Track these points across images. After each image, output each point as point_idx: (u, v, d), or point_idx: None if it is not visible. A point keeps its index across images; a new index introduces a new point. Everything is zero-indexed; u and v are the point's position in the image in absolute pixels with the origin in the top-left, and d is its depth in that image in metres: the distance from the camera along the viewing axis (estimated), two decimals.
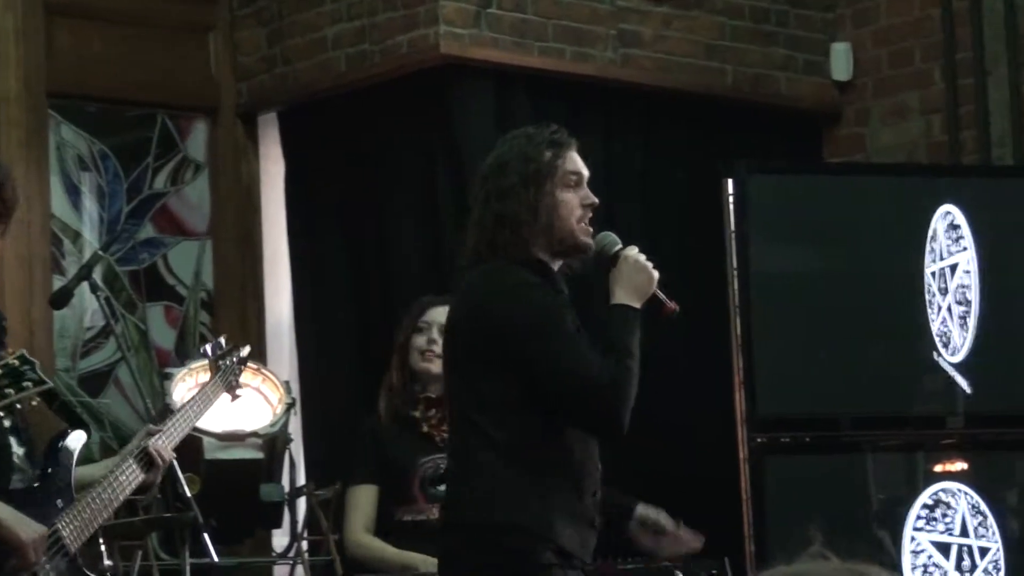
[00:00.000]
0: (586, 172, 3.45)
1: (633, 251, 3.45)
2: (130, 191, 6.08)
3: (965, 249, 5.58)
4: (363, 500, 4.73)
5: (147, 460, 3.68)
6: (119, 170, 6.07)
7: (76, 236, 5.92)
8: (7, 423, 3.51)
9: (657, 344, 5.92)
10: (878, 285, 5.59)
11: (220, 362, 4.21)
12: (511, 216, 3.35)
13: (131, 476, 3.63)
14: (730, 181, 5.55)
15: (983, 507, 5.48)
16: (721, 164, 5.65)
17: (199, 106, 6.26)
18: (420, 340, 4.73)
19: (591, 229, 3.51)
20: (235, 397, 4.25)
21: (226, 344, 4.28)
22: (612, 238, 3.43)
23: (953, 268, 5.58)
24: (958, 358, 5.53)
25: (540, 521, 3.33)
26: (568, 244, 3.42)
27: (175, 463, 4.45)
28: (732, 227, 5.52)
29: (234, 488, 5.00)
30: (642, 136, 6.23)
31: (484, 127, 5.86)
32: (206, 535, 4.43)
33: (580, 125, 6.01)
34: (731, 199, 5.53)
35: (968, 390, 5.50)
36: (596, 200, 3.43)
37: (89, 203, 5.98)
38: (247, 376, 5.27)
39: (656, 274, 3.45)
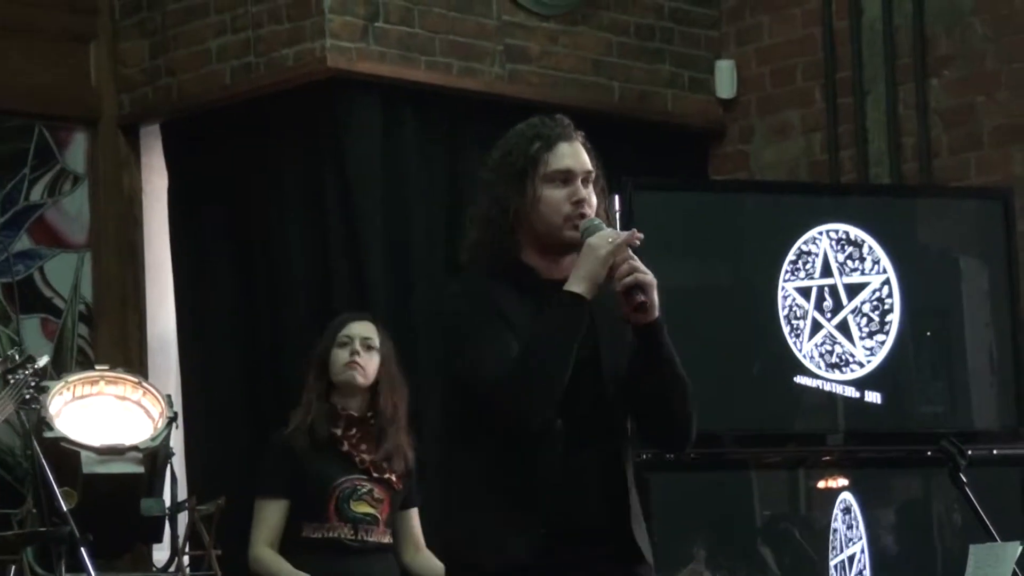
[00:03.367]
0: (580, 166, 3.18)
1: (599, 235, 3.10)
2: (5, 202, 5.99)
3: (863, 266, 5.65)
4: (270, 514, 4.69)
5: None
6: None
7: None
8: None
9: None
10: (762, 302, 5.64)
11: (10, 376, 4.12)
12: (484, 216, 3.20)
13: None
14: (616, 197, 5.57)
15: (859, 523, 5.54)
16: (608, 181, 5.66)
17: (79, 117, 6.18)
18: (343, 353, 4.71)
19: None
20: (28, 410, 4.14)
21: (20, 356, 4.19)
22: (593, 224, 3.13)
23: (834, 286, 5.65)
24: (842, 375, 5.59)
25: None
26: (555, 242, 3.17)
27: (50, 476, 4.38)
28: None
29: (113, 502, 4.94)
30: None
31: (370, 141, 5.86)
32: (83, 550, 4.36)
33: (466, 140, 6.07)
34: (617, 215, 5.55)
35: (846, 409, 5.56)
36: (584, 196, 3.14)
37: None
38: (127, 389, 5.22)
39: (642, 280, 3.08)
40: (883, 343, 5.60)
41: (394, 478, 4.71)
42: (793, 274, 5.62)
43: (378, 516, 4.70)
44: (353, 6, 5.80)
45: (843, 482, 5.59)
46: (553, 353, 3.09)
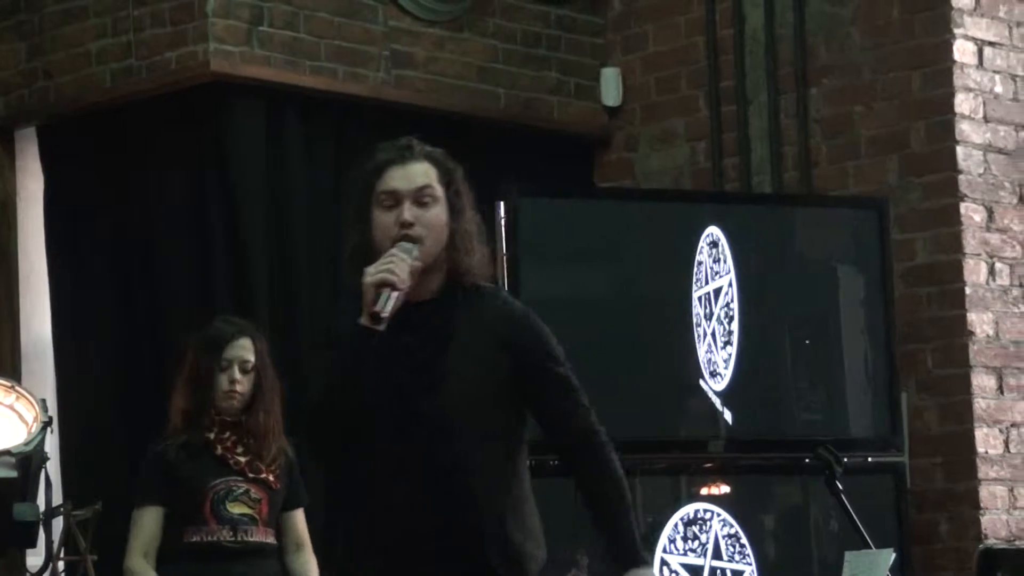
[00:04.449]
0: (407, 186, 3.17)
1: (375, 264, 3.11)
2: None
3: (727, 274, 5.69)
4: (146, 522, 4.69)
5: None
6: None
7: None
8: None
9: None
10: (646, 310, 5.66)
11: None
12: (349, 244, 3.25)
13: None
14: (501, 204, 5.58)
15: (738, 531, 5.57)
16: (493, 187, 5.66)
17: None
18: (223, 379, 4.70)
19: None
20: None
21: None
22: (403, 248, 3.13)
23: (716, 293, 5.68)
24: (721, 384, 5.63)
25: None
26: None
27: None
28: (503, 250, 5.54)
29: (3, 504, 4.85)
30: None
31: (254, 145, 5.83)
32: None
33: (351, 145, 6.04)
34: (502, 222, 5.56)
35: (729, 418, 5.60)
36: (408, 218, 3.14)
37: None
38: None
39: (377, 277, 3.07)
40: (730, 354, 5.65)
41: (271, 477, 4.71)
42: (678, 281, 5.65)
43: (256, 516, 4.70)
44: (237, 10, 5.76)
45: (724, 489, 5.62)
46: (332, 385, 3.13)
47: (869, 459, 5.63)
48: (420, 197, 3.16)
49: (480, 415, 3.16)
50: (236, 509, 4.67)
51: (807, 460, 5.13)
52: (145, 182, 5.94)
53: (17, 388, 5.09)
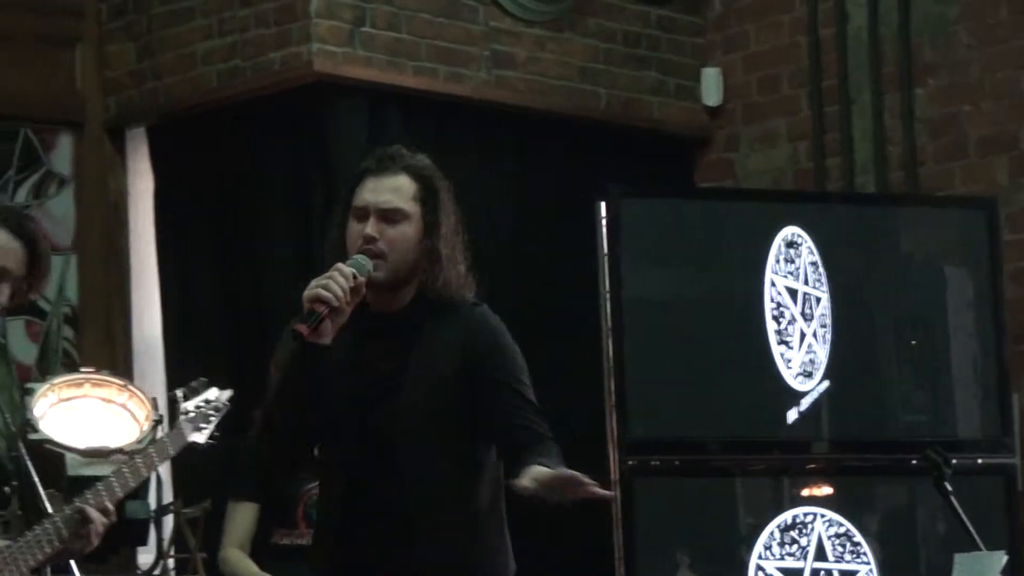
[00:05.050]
0: (375, 203, 3.16)
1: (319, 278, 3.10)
2: None
3: (821, 276, 5.66)
4: (240, 517, 4.74)
5: (81, 520, 3.46)
6: None
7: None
8: None
9: (530, 366, 6.02)
10: (747, 310, 5.64)
11: (190, 409, 3.97)
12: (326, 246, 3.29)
13: (54, 536, 3.47)
14: (603, 204, 5.58)
15: (849, 530, 5.54)
16: (594, 187, 5.67)
17: (64, 120, 6.17)
18: None
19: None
20: (208, 440, 3.99)
21: (198, 386, 4.01)
22: (354, 262, 3.13)
23: (818, 295, 5.66)
24: (823, 385, 5.60)
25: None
26: None
27: (35, 479, 4.34)
28: (605, 250, 5.55)
29: None
30: (515, 158, 6.26)
31: (356, 145, 5.85)
32: None
33: (452, 146, 6.07)
34: (604, 222, 5.56)
35: (832, 419, 5.57)
36: (371, 234, 3.13)
37: None
38: (112, 392, 5.20)
39: (311, 292, 3.06)
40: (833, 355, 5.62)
41: None
42: (785, 279, 5.63)
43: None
44: (340, 11, 5.80)
45: (827, 490, 5.60)
46: (273, 397, 3.15)
47: (979, 461, 5.57)
48: (387, 214, 3.16)
49: (432, 431, 3.14)
50: None
51: (913, 461, 5.11)
52: (250, 181, 6.00)
53: (130, 387, 5.16)
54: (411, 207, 3.19)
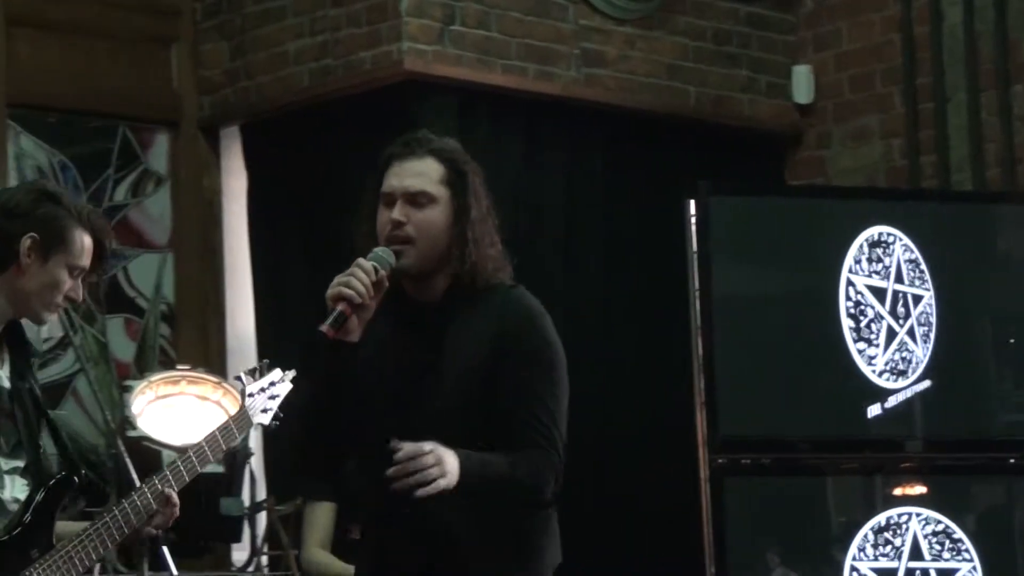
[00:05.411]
0: (400, 187, 3.08)
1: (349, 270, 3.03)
2: (90, 202, 6.02)
3: (923, 274, 5.62)
4: (319, 517, 4.75)
5: (165, 502, 3.48)
6: (79, 181, 6.04)
7: None
8: (11, 463, 3.43)
9: (621, 364, 6.03)
10: (838, 308, 5.61)
11: (254, 391, 4.02)
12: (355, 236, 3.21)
13: (120, 526, 3.51)
14: (692, 202, 5.56)
15: (949, 527, 5.50)
16: (683, 185, 5.66)
17: (161, 118, 6.23)
18: None
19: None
20: (273, 421, 4.04)
21: (262, 368, 4.06)
22: (375, 255, 3.05)
23: (916, 294, 5.62)
24: (918, 384, 5.56)
25: None
26: None
27: (133, 475, 4.40)
28: (694, 248, 5.53)
29: (193, 501, 4.97)
30: (604, 156, 6.26)
31: None
32: (165, 548, 4.39)
33: (542, 144, 6.08)
34: (693, 220, 5.54)
35: (926, 418, 5.53)
36: (399, 218, 3.04)
37: None
38: (208, 390, 5.26)
39: (333, 291, 3.01)
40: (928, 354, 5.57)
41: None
42: (868, 279, 5.59)
43: None
44: (430, 10, 5.82)
45: (921, 489, 5.56)
46: (304, 399, 3.13)
47: None
48: (414, 197, 3.07)
49: (463, 427, 3.02)
50: None
51: (1011, 460, 5.06)
52: (340, 179, 6.03)
53: (224, 384, 5.21)
54: (438, 190, 3.09)
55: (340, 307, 3.00)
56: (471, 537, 3.03)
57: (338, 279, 3.01)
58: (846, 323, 5.56)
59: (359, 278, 2.99)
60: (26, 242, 3.34)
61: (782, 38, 6.64)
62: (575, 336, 5.97)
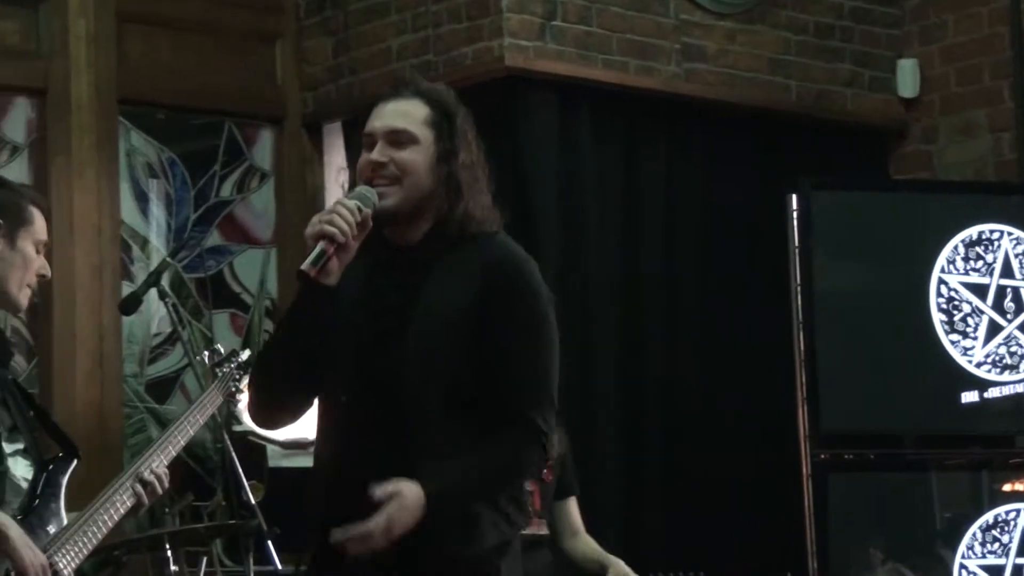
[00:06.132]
0: (381, 127, 2.93)
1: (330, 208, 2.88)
2: (197, 198, 6.11)
3: None
4: (570, 511, 4.83)
5: (143, 481, 3.60)
6: (187, 177, 6.10)
7: (144, 243, 5.95)
8: (12, 446, 3.51)
9: (722, 359, 6.01)
10: (942, 303, 5.57)
11: (217, 369, 4.20)
12: None
13: (125, 497, 3.58)
14: (794, 197, 5.55)
15: None
16: (785, 179, 5.65)
17: (265, 115, 6.28)
18: None
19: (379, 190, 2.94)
20: (235, 402, 4.22)
21: (224, 351, 4.26)
22: (357, 192, 2.91)
23: (1016, 288, 5.56)
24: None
25: None
26: None
27: (239, 470, 4.46)
28: (796, 243, 5.52)
29: (298, 496, 5.01)
30: (705, 150, 6.24)
31: (547, 139, 5.88)
32: (270, 542, 4.44)
33: (642, 139, 6.07)
34: (795, 215, 5.53)
35: None
36: (378, 159, 2.90)
37: (157, 210, 6.01)
38: None
39: (314, 229, 2.84)
40: None
41: (543, 470, 4.76)
42: (970, 274, 5.54)
43: (530, 509, 4.75)
44: (531, 5, 5.82)
45: None
46: (273, 340, 2.98)
47: None
48: (395, 137, 2.93)
49: (442, 372, 2.85)
50: None
51: None
52: None
53: None
54: (421, 131, 2.94)
55: (322, 245, 2.83)
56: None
57: (319, 217, 2.86)
58: (937, 317, 5.53)
59: (342, 215, 2.84)
60: None
61: (886, 31, 6.58)
62: (675, 331, 6.02)
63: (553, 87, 5.88)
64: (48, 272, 3.58)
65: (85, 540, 3.49)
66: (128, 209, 5.89)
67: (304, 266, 2.82)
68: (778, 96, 6.31)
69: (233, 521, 4.58)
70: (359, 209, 2.85)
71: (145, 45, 5.88)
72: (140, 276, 5.64)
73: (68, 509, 3.53)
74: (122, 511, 3.58)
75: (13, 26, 5.59)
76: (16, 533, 3.32)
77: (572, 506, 4.90)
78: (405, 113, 2.95)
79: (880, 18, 6.56)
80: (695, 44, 6.17)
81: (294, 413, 2.99)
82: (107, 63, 5.73)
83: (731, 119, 6.24)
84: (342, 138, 6.33)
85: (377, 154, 2.92)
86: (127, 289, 5.60)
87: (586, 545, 4.88)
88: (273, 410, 2.98)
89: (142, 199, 5.95)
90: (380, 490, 2.76)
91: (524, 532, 4.65)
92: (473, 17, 5.86)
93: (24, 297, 3.52)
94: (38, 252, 3.52)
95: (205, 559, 4.87)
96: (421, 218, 2.93)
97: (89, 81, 5.68)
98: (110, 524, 3.55)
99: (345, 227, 2.82)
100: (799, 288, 5.49)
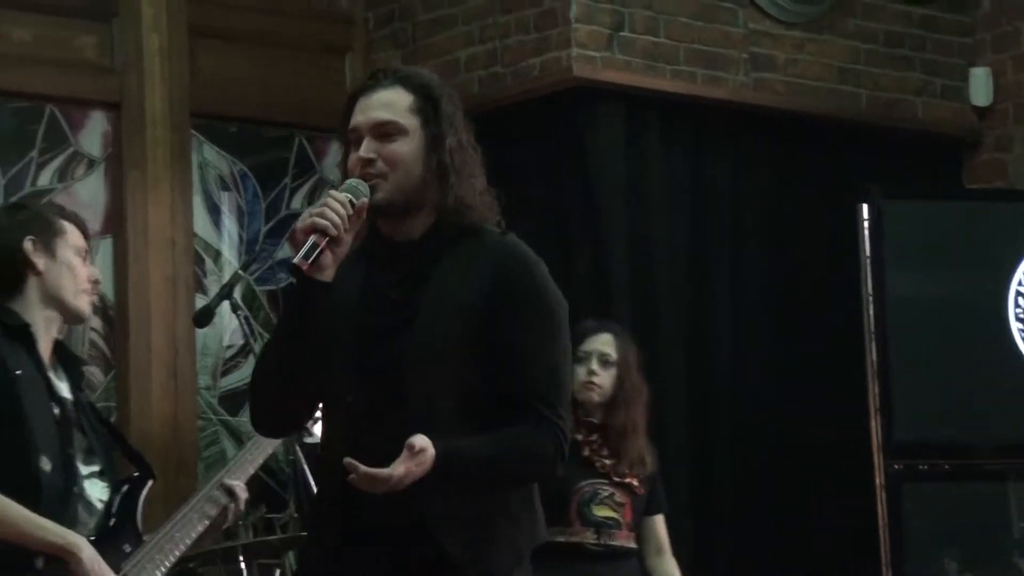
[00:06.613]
0: (365, 121, 2.84)
1: (321, 201, 2.78)
2: (268, 211, 6.14)
3: None
4: None
5: (226, 494, 3.64)
6: (258, 190, 6.13)
7: (217, 255, 5.98)
8: (88, 468, 3.54)
9: (792, 369, 5.99)
10: (1007, 312, 5.53)
11: None
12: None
13: (202, 514, 3.62)
14: (865, 206, 5.53)
15: None
16: (856, 189, 5.63)
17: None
18: (580, 370, 4.78)
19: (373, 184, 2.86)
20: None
21: None
22: (348, 185, 2.82)
23: None
24: None
25: None
26: None
27: (311, 482, 4.48)
28: (867, 252, 5.50)
29: None
30: (773, 160, 6.22)
31: (614, 150, 5.88)
32: None
33: (710, 149, 6.06)
34: (866, 224, 5.51)
35: None
36: (366, 155, 2.81)
37: (229, 223, 6.04)
38: None
39: (304, 223, 2.75)
40: None
41: (635, 482, 4.76)
42: None
43: (620, 520, 4.74)
44: (599, 16, 5.82)
45: None
46: (269, 343, 2.86)
47: None
48: (380, 130, 2.83)
49: (444, 372, 2.78)
50: (601, 512, 4.72)
51: None
52: (509, 186, 6.02)
53: None
54: (407, 120, 2.85)
55: (313, 238, 2.75)
56: (439, 510, 2.77)
57: (309, 210, 2.77)
58: (1015, 326, 5.49)
59: (333, 208, 2.74)
60: (28, 245, 3.49)
61: (958, 40, 6.54)
62: (743, 341, 6.00)
63: (621, 97, 5.88)
64: (99, 277, 3.63)
65: (161, 557, 3.52)
66: (201, 222, 5.92)
67: (296, 260, 2.75)
68: (848, 105, 6.28)
69: (305, 533, 4.60)
70: (351, 202, 2.77)
71: (216, 59, 5.92)
72: (213, 289, 5.68)
73: (145, 527, 3.56)
74: (200, 528, 3.60)
75: (90, 40, 5.64)
76: (88, 555, 3.35)
77: (659, 524, 4.88)
78: (389, 103, 2.86)
79: (951, 26, 6.52)
80: (763, 54, 6.15)
81: (297, 419, 2.93)
82: (180, 77, 5.78)
83: (800, 128, 6.22)
84: None
85: (365, 150, 2.83)
86: (200, 302, 5.63)
87: (668, 566, 4.86)
88: (275, 416, 2.89)
89: (214, 212, 5.99)
90: (418, 441, 2.66)
91: (613, 543, 4.73)
92: (541, 28, 5.87)
93: (84, 304, 3.55)
94: (83, 260, 3.56)
95: (278, 571, 4.89)
96: (419, 211, 2.85)
97: (162, 95, 5.72)
98: (187, 541, 3.57)
99: (336, 219, 2.73)
100: (871, 297, 5.46)
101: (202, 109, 5.87)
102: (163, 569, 3.52)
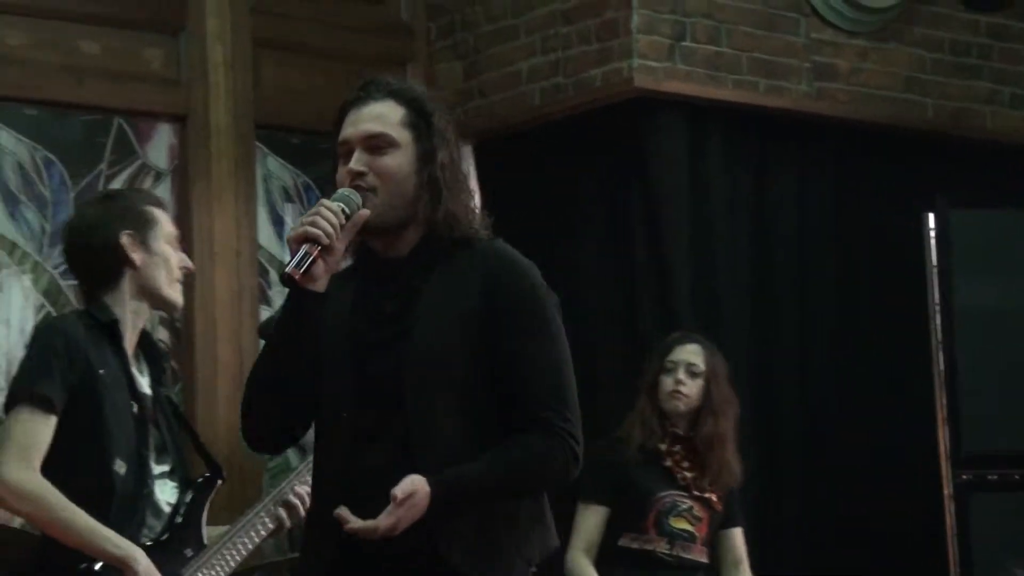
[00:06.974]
0: (355, 134, 2.83)
1: (314, 209, 2.77)
2: None
3: None
4: (590, 521, 4.80)
5: (287, 504, 3.63)
6: None
7: (281, 267, 5.98)
8: (160, 467, 3.55)
9: (858, 380, 5.95)
10: None
11: None
12: None
13: (267, 520, 3.62)
14: (931, 215, 5.50)
15: None
16: (920, 199, 5.59)
17: None
18: (667, 380, 4.80)
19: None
20: None
21: None
22: (339, 195, 2.80)
23: None
24: None
25: None
26: None
27: None
28: (934, 262, 5.46)
29: None
30: (836, 169, 6.19)
31: (676, 160, 5.86)
32: None
33: (773, 159, 6.03)
34: (932, 234, 5.47)
35: None
36: (357, 168, 2.79)
37: None
38: None
39: (296, 232, 2.74)
40: None
41: (715, 498, 4.73)
42: None
43: (696, 534, 4.72)
44: (660, 26, 5.80)
45: None
46: (262, 356, 2.85)
47: None
48: (371, 143, 2.82)
49: (445, 378, 2.75)
50: (678, 524, 4.72)
51: None
52: (571, 197, 6.05)
53: None
54: (399, 133, 2.82)
55: (306, 247, 2.73)
56: (445, 522, 2.73)
57: (301, 219, 2.76)
58: None
59: (325, 216, 2.72)
60: (124, 239, 3.51)
61: None
62: (810, 351, 5.96)
63: (682, 108, 5.86)
64: (189, 264, 3.67)
65: (223, 564, 3.52)
66: (265, 233, 5.95)
67: (288, 268, 2.74)
68: (913, 114, 6.23)
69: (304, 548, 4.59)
70: (343, 211, 2.75)
71: (279, 70, 5.95)
72: (277, 300, 5.69)
73: (207, 532, 3.56)
74: (263, 533, 3.61)
75: (157, 53, 5.68)
76: (144, 567, 3.36)
77: (737, 537, 4.87)
78: (380, 116, 2.84)
79: (1019, 35, 6.46)
80: (826, 63, 6.11)
81: (289, 433, 2.89)
82: (244, 89, 5.81)
83: (864, 138, 6.18)
84: (472, 161, 6.35)
85: (355, 163, 2.82)
86: (265, 313, 5.65)
87: None
88: (267, 430, 2.88)
89: (278, 223, 6.01)
90: (400, 489, 2.65)
91: (686, 556, 4.70)
92: (602, 39, 5.86)
93: (176, 293, 3.59)
94: (174, 248, 3.58)
95: None
96: (408, 227, 2.84)
97: (227, 107, 5.75)
98: (249, 547, 3.58)
99: (329, 228, 2.72)
100: (938, 307, 5.43)
101: (265, 121, 5.89)
102: (224, 574, 3.53)
